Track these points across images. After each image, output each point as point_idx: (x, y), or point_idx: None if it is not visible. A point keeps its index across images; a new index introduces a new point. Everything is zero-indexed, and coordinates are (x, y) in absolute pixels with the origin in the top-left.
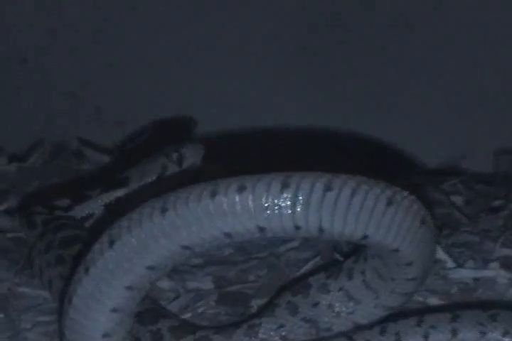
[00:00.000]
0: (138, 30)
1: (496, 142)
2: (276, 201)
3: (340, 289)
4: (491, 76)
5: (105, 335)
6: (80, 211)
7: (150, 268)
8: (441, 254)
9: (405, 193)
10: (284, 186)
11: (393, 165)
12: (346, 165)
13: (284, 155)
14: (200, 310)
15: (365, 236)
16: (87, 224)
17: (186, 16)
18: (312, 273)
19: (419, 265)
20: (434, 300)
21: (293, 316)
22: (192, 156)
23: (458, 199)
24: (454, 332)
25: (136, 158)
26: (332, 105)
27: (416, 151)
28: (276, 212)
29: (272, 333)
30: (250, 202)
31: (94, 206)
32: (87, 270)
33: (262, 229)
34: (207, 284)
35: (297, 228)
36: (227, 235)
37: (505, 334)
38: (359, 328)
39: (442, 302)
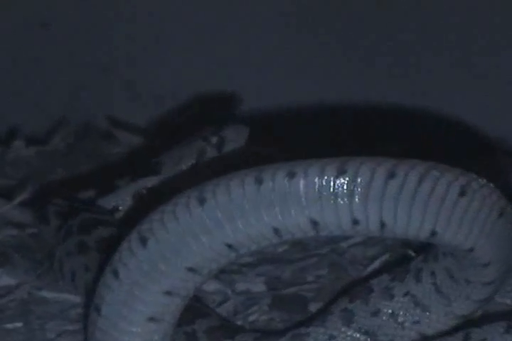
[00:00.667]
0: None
1: None
2: (331, 189)
3: (406, 294)
4: None
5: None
6: (104, 203)
7: (191, 270)
8: None
9: (482, 181)
10: (341, 172)
11: (466, 145)
12: (412, 148)
13: (344, 135)
14: (251, 317)
15: (434, 233)
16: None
17: None
18: (380, 272)
19: (498, 266)
20: None
21: (347, 326)
22: (234, 139)
23: None
24: None
25: (171, 140)
26: (393, 81)
27: (497, 128)
28: (332, 202)
29: None
30: (301, 191)
31: (122, 197)
32: (116, 273)
33: (315, 224)
34: (259, 286)
35: (355, 222)
36: (276, 231)
37: None
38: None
39: None
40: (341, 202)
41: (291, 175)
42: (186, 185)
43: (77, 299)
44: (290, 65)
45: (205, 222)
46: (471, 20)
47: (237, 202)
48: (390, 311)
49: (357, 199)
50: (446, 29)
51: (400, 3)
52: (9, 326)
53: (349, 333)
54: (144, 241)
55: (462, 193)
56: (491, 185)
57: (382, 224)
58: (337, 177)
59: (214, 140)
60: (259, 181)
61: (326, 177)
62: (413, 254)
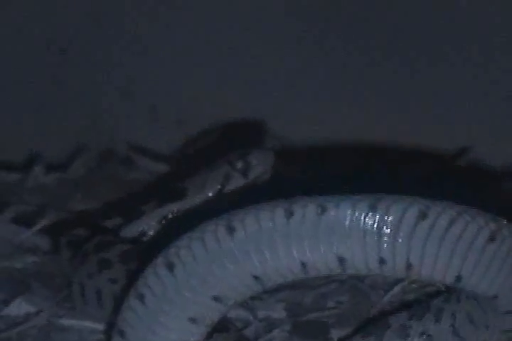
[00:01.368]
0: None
1: None
2: (360, 226)
3: (422, 333)
4: None
5: None
6: (129, 230)
7: (216, 298)
8: None
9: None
10: (372, 208)
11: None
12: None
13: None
14: None
15: (459, 278)
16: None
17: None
18: (402, 297)
19: None
20: None
21: None
22: (260, 165)
23: None
24: None
25: (196, 165)
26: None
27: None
28: (360, 238)
29: None
30: (331, 226)
31: (147, 223)
32: (142, 297)
33: (342, 261)
34: (279, 312)
35: (381, 261)
36: (303, 265)
37: None
38: None
39: None
40: (369, 240)
41: (323, 209)
42: (212, 211)
43: (96, 326)
44: (313, 89)
45: (233, 251)
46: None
47: (266, 233)
48: None
49: (385, 238)
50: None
51: None
52: None
53: None
54: (170, 266)
55: (491, 239)
56: None
57: (409, 265)
58: (367, 214)
59: (239, 165)
60: (289, 213)
61: (356, 214)
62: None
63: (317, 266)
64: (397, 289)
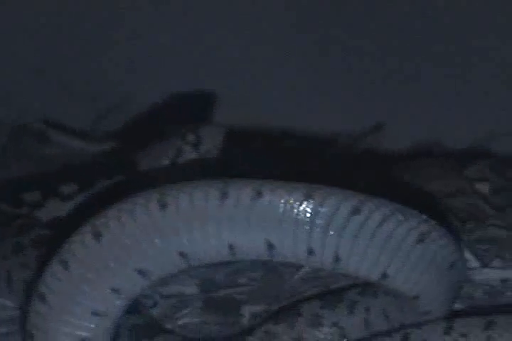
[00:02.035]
0: None
1: None
2: (293, 214)
3: (334, 324)
4: None
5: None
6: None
7: (140, 272)
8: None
9: (442, 230)
10: (307, 197)
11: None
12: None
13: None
14: (182, 320)
15: (385, 276)
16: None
17: None
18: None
19: (437, 315)
20: (455, 305)
21: None
22: (211, 139)
23: (484, 187)
24: None
25: (146, 139)
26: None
27: (433, 131)
28: (291, 227)
29: None
30: (264, 211)
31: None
32: (65, 264)
33: (270, 247)
34: (191, 288)
35: (310, 252)
36: (231, 248)
37: None
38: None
39: (465, 307)
40: (300, 229)
41: (258, 193)
42: (160, 184)
43: (7, 303)
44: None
45: (163, 226)
46: None
47: (198, 212)
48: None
49: (317, 229)
50: None
51: None
52: None
53: None
54: (97, 235)
55: (420, 240)
56: (451, 235)
57: (337, 259)
58: (302, 202)
59: (191, 138)
60: (224, 195)
61: (291, 201)
62: None
63: (245, 250)
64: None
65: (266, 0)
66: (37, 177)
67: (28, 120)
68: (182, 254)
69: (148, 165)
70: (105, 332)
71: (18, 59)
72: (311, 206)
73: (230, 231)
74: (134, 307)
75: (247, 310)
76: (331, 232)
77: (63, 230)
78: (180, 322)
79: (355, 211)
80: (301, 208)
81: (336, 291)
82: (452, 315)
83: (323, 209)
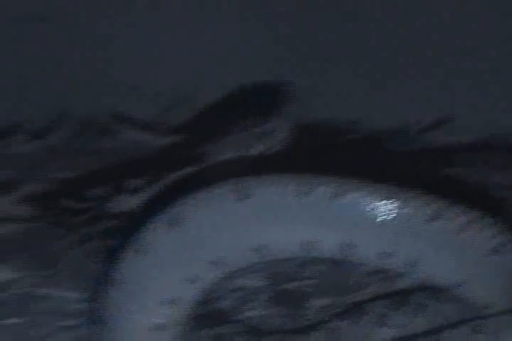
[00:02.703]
0: None
1: None
2: (372, 215)
3: (399, 325)
4: None
5: (155, 328)
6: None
7: (213, 263)
8: None
9: None
10: (388, 199)
11: None
12: None
13: None
14: (249, 313)
15: (458, 283)
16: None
17: None
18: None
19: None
20: None
21: None
22: (280, 132)
23: None
24: None
25: (214, 132)
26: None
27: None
28: (370, 227)
29: None
30: (343, 210)
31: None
32: (141, 252)
33: (347, 246)
34: (258, 281)
35: (386, 254)
36: (307, 244)
37: None
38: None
39: None
40: (378, 231)
41: (339, 193)
42: (231, 176)
43: (74, 294)
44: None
45: (239, 219)
46: None
47: (277, 207)
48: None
49: (395, 232)
50: None
51: None
52: (7, 322)
53: None
54: (172, 224)
55: (496, 251)
56: None
57: (413, 263)
58: (382, 205)
59: (260, 131)
60: (303, 192)
61: (371, 202)
62: None
63: (321, 248)
64: None
65: None
66: (104, 171)
67: (94, 113)
68: (257, 247)
69: (218, 157)
70: (177, 321)
71: (85, 48)
72: (390, 209)
73: (307, 228)
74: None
75: (314, 303)
76: (409, 236)
77: (133, 222)
78: (246, 315)
79: (435, 217)
80: (380, 210)
81: (403, 292)
82: None
83: (402, 213)
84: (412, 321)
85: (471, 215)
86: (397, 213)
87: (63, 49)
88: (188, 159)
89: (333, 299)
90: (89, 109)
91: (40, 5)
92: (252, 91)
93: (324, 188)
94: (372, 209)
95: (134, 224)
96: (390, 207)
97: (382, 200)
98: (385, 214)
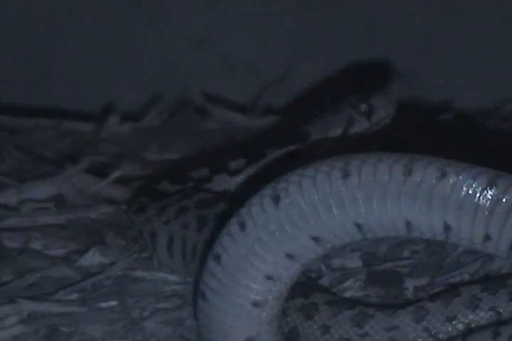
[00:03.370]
0: None
1: None
2: (475, 198)
3: (492, 308)
4: None
5: (255, 304)
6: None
7: (316, 239)
8: None
9: None
10: (491, 184)
11: None
12: None
13: None
14: (346, 293)
15: None
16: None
17: None
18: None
19: None
20: None
21: (415, 322)
22: (384, 109)
23: None
24: None
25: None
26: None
27: None
28: (472, 211)
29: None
30: (446, 192)
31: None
32: (243, 226)
33: (447, 228)
34: (354, 262)
35: (486, 238)
36: (408, 224)
37: None
38: None
39: None
40: (480, 214)
41: (443, 174)
42: (333, 154)
43: (170, 277)
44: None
45: (342, 196)
46: None
47: (380, 185)
48: (466, 321)
49: (497, 216)
50: None
51: None
52: (104, 305)
53: (413, 329)
54: (276, 199)
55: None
56: None
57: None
58: (485, 189)
59: (363, 108)
60: (408, 171)
61: (474, 186)
62: None
63: (421, 228)
64: None
65: None
66: (203, 154)
67: (189, 94)
68: (358, 225)
69: (321, 135)
70: (277, 297)
71: (178, 30)
72: (493, 193)
73: (410, 208)
74: None
75: (411, 283)
76: (511, 220)
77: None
78: (344, 293)
79: None
80: (483, 194)
81: (499, 276)
82: None
83: (505, 198)
84: (507, 304)
85: None
86: (499, 198)
87: (153, 30)
88: (291, 138)
89: (429, 279)
90: (185, 90)
91: None
92: (356, 69)
93: (430, 168)
94: (476, 192)
95: (236, 199)
96: (492, 192)
97: (485, 184)
98: (486, 199)
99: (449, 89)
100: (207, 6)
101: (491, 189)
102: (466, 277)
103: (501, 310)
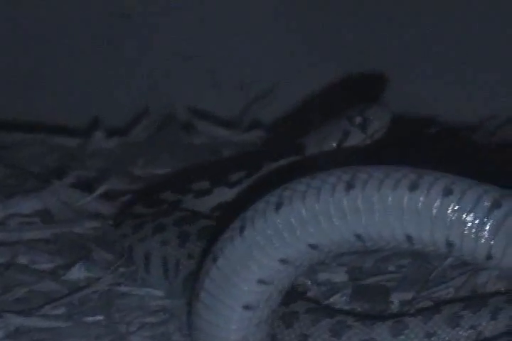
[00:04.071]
0: None
1: None
2: (479, 217)
3: (473, 327)
4: None
5: (247, 307)
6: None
7: (313, 246)
8: None
9: None
10: (497, 204)
11: None
12: None
13: None
14: (332, 307)
15: None
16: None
17: None
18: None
19: None
20: None
21: (392, 337)
22: (379, 120)
23: None
24: None
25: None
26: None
27: None
28: (473, 231)
29: None
30: (449, 209)
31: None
32: (242, 229)
33: (449, 245)
34: (340, 276)
35: (488, 257)
36: (409, 238)
37: None
38: None
39: None
40: (481, 235)
41: (448, 192)
42: (331, 166)
43: (157, 292)
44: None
45: (344, 208)
46: None
47: (383, 200)
48: (446, 338)
49: (498, 235)
50: None
51: None
52: (90, 319)
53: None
54: (279, 205)
55: None
56: None
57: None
58: (490, 209)
59: (358, 120)
60: (414, 187)
61: (479, 205)
62: None
63: (421, 241)
64: None
65: None
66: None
67: (176, 109)
68: (357, 235)
69: (316, 147)
70: (269, 301)
71: (164, 47)
72: (497, 213)
73: (412, 223)
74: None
75: (397, 298)
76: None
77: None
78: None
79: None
80: (487, 213)
81: (482, 295)
82: None
83: (509, 218)
84: (488, 323)
85: None
86: (503, 217)
87: (138, 44)
88: (287, 151)
89: (415, 294)
90: (171, 106)
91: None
92: (350, 80)
93: (436, 184)
94: (480, 211)
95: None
96: (498, 212)
97: (490, 204)
98: (491, 218)
99: (435, 103)
100: (194, 21)
101: (496, 210)
102: (451, 291)
103: (482, 329)
